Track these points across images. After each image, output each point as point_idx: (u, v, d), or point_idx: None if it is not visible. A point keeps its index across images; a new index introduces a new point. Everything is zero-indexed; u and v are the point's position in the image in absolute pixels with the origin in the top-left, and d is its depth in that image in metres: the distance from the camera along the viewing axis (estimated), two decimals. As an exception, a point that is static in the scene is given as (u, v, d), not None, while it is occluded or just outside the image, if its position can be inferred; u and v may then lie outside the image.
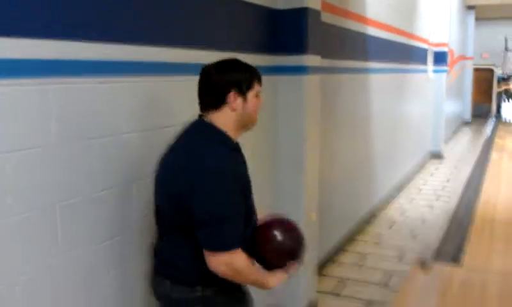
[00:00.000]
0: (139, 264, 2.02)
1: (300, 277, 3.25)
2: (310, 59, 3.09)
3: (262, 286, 1.77)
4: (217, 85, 1.69)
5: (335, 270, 4.26)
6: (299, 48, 3.05)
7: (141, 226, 2.03)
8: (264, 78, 3.00)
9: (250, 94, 1.73)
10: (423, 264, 3.88)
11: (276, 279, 1.79)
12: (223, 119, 1.70)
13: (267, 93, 3.06)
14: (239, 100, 1.71)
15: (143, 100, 2.04)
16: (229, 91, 1.69)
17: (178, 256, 1.72)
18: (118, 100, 1.90)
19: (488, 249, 4.36)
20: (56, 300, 1.71)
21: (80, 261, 1.78)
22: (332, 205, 4.38)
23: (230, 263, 1.63)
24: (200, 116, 1.75)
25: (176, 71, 2.23)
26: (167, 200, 1.70)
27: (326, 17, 3.88)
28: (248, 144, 1.91)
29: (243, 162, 1.77)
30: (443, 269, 3.88)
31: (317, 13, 3.18)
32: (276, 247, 1.78)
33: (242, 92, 1.71)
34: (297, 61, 3.06)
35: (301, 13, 3.03)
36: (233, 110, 1.71)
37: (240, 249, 1.64)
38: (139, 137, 2.02)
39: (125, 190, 1.96)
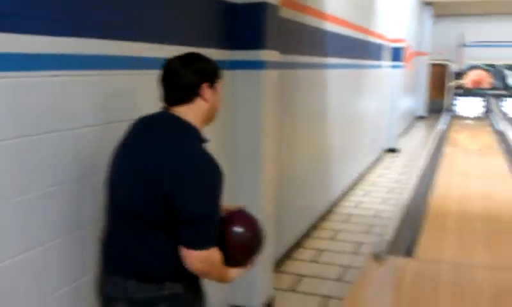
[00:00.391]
0: (93, 261, 1.98)
1: (257, 275, 3.27)
2: (268, 54, 3.10)
3: (223, 280, 1.77)
4: (188, 78, 1.67)
5: (291, 267, 4.29)
6: (257, 43, 3.05)
7: (95, 222, 1.99)
8: (223, 73, 3.02)
9: (218, 86, 1.75)
10: (377, 257, 3.98)
11: (235, 272, 1.80)
12: (193, 112, 1.68)
13: (225, 88, 3.06)
14: (210, 92, 1.70)
15: (97, 95, 2.00)
16: (201, 83, 1.68)
17: (148, 253, 1.65)
18: (71, 94, 1.86)
19: (440, 240, 4.49)
20: (8, 297, 1.66)
21: (33, 259, 1.73)
22: (289, 201, 4.41)
23: (210, 259, 1.63)
24: (164, 109, 1.71)
25: (132, 65, 2.20)
26: (142, 197, 1.60)
27: (285, 12, 3.89)
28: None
29: None
30: (396, 261, 3.98)
31: (275, 8, 3.18)
32: (237, 242, 1.78)
33: (212, 83, 1.71)
34: (255, 56, 3.06)
35: (260, 8, 3.03)
36: (206, 102, 1.70)
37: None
38: (93, 131, 1.98)
39: (78, 185, 1.92)
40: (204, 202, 1.59)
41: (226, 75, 3.04)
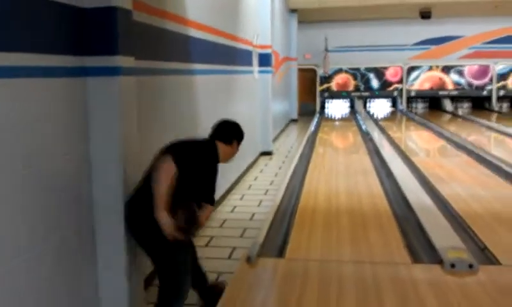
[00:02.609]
0: None
1: (124, 290, 3.13)
2: (122, 60, 2.98)
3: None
4: None
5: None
6: (109, 48, 2.93)
7: None
8: (72, 80, 2.85)
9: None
10: (249, 259, 4.00)
11: (166, 218, 2.90)
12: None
13: (76, 96, 2.90)
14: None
15: None
16: None
17: None
18: None
19: (308, 238, 4.64)
20: None
21: None
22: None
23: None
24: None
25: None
26: None
27: (143, 18, 3.79)
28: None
29: None
30: (267, 262, 4.03)
31: (127, 13, 3.07)
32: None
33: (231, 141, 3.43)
34: (108, 62, 2.93)
35: (109, 12, 2.91)
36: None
37: None
38: None
39: None
40: None
41: (78, 83, 2.89)
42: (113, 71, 2.94)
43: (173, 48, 4.63)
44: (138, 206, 3.06)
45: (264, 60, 10.00)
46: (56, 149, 2.71)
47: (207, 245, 4.98)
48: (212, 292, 3.75)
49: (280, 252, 4.30)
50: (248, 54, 8.77)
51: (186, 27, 5.01)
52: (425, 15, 17.40)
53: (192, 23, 5.21)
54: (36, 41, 2.53)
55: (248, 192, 7.13)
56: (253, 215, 6.00)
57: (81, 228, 3.01)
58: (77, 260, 2.97)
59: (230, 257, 4.62)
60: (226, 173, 6.76)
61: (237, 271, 3.96)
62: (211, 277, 4.15)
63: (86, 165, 3.01)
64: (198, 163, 3.14)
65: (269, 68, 10.23)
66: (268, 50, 10.14)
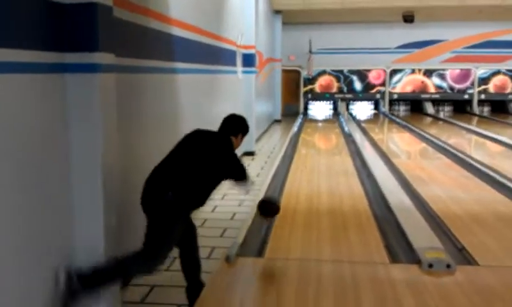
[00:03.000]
0: None
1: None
2: (102, 57, 2.96)
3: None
4: None
5: (143, 278, 4.14)
6: (89, 45, 2.90)
7: None
8: (52, 76, 2.83)
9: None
10: (228, 259, 4.01)
11: None
12: None
13: (56, 92, 2.88)
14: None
15: None
16: None
17: None
18: None
19: (288, 238, 4.66)
20: None
21: None
22: (138, 213, 4.28)
23: None
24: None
25: None
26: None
27: (125, 15, 3.77)
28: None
29: None
30: (246, 262, 4.04)
31: (108, 9, 3.05)
32: None
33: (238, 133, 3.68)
34: (88, 59, 2.90)
35: (90, 9, 2.88)
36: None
37: None
38: None
39: None
40: None
41: (57, 79, 2.87)
42: (93, 68, 2.92)
43: (155, 46, 4.61)
44: (163, 182, 3.22)
45: (248, 60, 10.01)
46: (33, 146, 2.69)
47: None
48: (197, 289, 3.72)
49: (260, 252, 4.31)
50: (232, 53, 8.77)
51: (169, 26, 4.99)
52: (408, 18, 17.56)
53: (175, 22, 5.19)
54: (14, 36, 2.50)
55: (229, 192, 7.11)
56: (234, 215, 6.00)
57: (60, 219, 2.99)
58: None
59: (209, 257, 4.60)
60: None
61: (216, 271, 3.96)
62: (191, 276, 4.13)
63: (64, 163, 2.99)
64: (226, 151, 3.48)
65: (252, 69, 10.24)
66: (252, 51, 10.15)
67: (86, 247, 3.11)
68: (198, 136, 3.50)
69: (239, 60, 9.43)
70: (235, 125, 3.69)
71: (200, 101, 6.41)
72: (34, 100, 2.70)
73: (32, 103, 2.67)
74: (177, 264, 4.38)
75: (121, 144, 3.57)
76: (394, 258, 4.17)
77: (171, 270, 4.32)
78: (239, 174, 3.49)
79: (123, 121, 3.62)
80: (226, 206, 6.40)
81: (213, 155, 3.35)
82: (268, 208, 3.85)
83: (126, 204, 3.71)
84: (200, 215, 5.88)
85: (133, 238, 4.03)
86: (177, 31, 5.27)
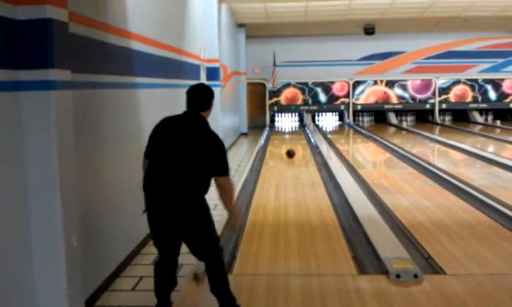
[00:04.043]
0: None
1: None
2: (57, 74, 2.86)
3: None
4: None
5: (109, 299, 4.01)
6: (43, 62, 2.80)
7: None
8: (4, 94, 2.71)
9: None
10: (196, 276, 3.92)
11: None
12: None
13: (8, 111, 2.76)
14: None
15: None
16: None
17: None
18: None
19: (256, 252, 4.60)
20: None
21: None
22: (102, 230, 4.16)
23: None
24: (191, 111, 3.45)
25: None
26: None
27: (81, 30, 3.68)
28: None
29: None
30: (213, 279, 3.95)
31: (63, 25, 2.96)
32: None
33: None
34: (42, 76, 2.80)
35: (44, 25, 2.79)
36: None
37: None
38: None
39: None
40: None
41: (9, 98, 2.75)
42: (47, 85, 2.82)
43: (113, 61, 4.51)
44: (185, 188, 3.28)
45: (212, 74, 9.96)
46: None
47: (152, 263, 4.84)
48: None
49: (228, 268, 4.23)
50: (195, 67, 8.71)
51: (128, 40, 4.90)
52: (369, 31, 17.88)
53: (135, 36, 5.10)
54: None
55: (197, 208, 7.02)
56: (201, 230, 5.89)
57: (16, 257, 2.86)
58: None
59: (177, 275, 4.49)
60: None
61: (183, 289, 3.87)
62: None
63: (19, 184, 2.87)
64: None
65: (217, 82, 10.19)
66: (216, 64, 10.11)
67: (45, 273, 2.99)
68: (182, 131, 3.39)
69: (203, 74, 9.38)
70: (204, 100, 3.53)
71: (162, 115, 6.29)
72: (-14, 119, 2.59)
73: (-17, 123, 2.56)
74: (147, 283, 4.30)
75: (79, 161, 3.46)
76: (362, 269, 4.16)
77: (139, 291, 4.22)
78: (224, 170, 3.38)
79: (81, 138, 3.52)
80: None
81: (209, 156, 3.30)
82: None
83: (87, 223, 3.60)
84: (165, 233, 5.76)
85: (95, 256, 3.93)
86: (136, 45, 5.18)
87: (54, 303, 3.06)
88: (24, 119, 2.83)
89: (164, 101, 6.44)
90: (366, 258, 4.42)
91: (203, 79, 9.46)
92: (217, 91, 10.16)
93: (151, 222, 3.38)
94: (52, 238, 2.98)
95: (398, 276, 3.86)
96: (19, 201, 2.87)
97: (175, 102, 7.10)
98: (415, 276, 3.87)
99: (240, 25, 16.95)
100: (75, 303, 3.18)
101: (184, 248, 5.25)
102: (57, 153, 2.90)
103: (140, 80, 5.27)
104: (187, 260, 4.81)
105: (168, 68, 6.66)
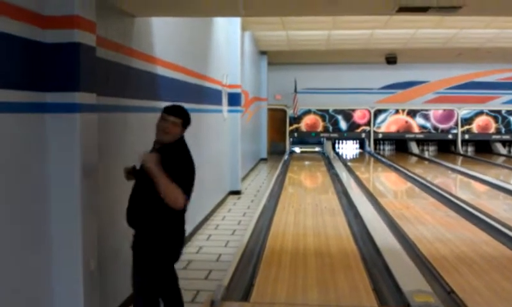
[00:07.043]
0: None
1: None
2: (82, 97, 2.91)
3: None
4: None
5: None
6: (70, 85, 2.86)
7: None
8: (30, 116, 2.76)
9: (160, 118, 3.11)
10: (213, 304, 3.88)
11: None
12: None
13: (34, 131, 2.80)
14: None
15: None
16: None
17: None
18: None
19: (275, 280, 4.55)
20: None
21: None
22: (121, 253, 4.16)
23: None
24: None
25: None
26: None
27: (108, 55, 3.74)
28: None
29: None
30: None
31: (91, 49, 3.02)
32: None
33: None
34: (69, 99, 2.85)
35: (72, 49, 2.85)
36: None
37: None
38: None
39: None
40: None
41: (35, 119, 2.80)
42: (73, 108, 2.87)
43: (138, 85, 4.57)
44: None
45: (233, 99, 10.03)
46: (10, 185, 2.60)
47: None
48: None
49: (246, 295, 4.19)
50: (217, 93, 8.78)
51: (153, 65, 4.97)
52: (391, 60, 17.85)
53: (160, 62, 5.18)
54: (-7, 75, 2.44)
55: (215, 232, 7.01)
56: (220, 256, 5.87)
57: (36, 277, 2.87)
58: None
59: (193, 300, 4.47)
60: (192, 212, 6.63)
61: (200, 315, 3.83)
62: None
63: (44, 204, 2.89)
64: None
65: (238, 108, 10.25)
66: (237, 90, 10.18)
67: (64, 291, 3.00)
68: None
69: (224, 99, 9.44)
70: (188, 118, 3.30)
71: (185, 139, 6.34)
72: (13, 140, 2.63)
73: (10, 144, 2.60)
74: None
75: (102, 183, 3.48)
76: (382, 301, 4.07)
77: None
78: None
79: (105, 159, 3.55)
80: (212, 247, 6.28)
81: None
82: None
83: (105, 247, 3.60)
84: (184, 257, 5.74)
85: (113, 280, 3.92)
86: (161, 70, 5.25)
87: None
88: (49, 140, 2.87)
89: (186, 125, 6.48)
90: (387, 289, 4.33)
91: (225, 104, 9.52)
92: (237, 117, 10.22)
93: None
94: (71, 261, 3.00)
95: (419, 310, 3.77)
96: (42, 221, 2.89)
97: (197, 127, 7.14)
98: (437, 310, 3.78)
99: (263, 53, 17.10)
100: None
101: (201, 273, 5.23)
102: (81, 175, 2.93)
103: (162, 104, 5.31)
104: (205, 286, 4.80)
105: (191, 92, 6.73)
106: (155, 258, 3.04)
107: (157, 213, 2.96)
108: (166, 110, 3.17)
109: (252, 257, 5.27)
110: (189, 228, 6.32)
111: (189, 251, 6.00)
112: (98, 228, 3.30)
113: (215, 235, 6.85)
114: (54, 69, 2.85)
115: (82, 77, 2.90)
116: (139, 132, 4.63)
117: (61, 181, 2.91)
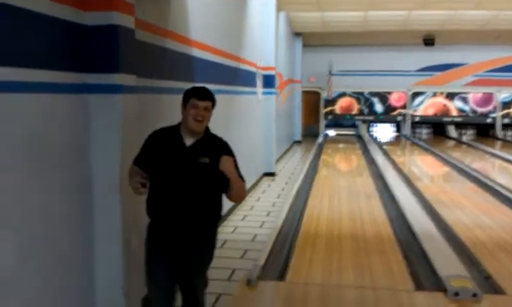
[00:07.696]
0: None
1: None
2: (124, 78, 2.97)
3: None
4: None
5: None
6: (110, 66, 2.91)
7: None
8: (72, 96, 2.82)
9: (187, 106, 2.72)
10: (249, 282, 3.94)
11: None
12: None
13: (76, 111, 2.87)
14: (182, 109, 2.77)
15: None
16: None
17: None
18: None
19: (309, 261, 4.57)
20: None
21: None
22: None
23: None
24: None
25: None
26: None
27: (145, 36, 3.78)
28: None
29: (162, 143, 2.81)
30: (267, 285, 3.97)
31: (130, 32, 3.06)
32: None
33: (183, 104, 2.75)
34: (110, 80, 2.91)
35: (112, 31, 2.90)
36: (182, 114, 2.78)
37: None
38: None
39: None
40: None
41: (78, 100, 2.86)
42: (115, 88, 2.92)
43: (174, 67, 4.61)
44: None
45: (268, 81, 10.01)
46: (57, 165, 2.68)
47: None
48: None
49: (281, 276, 4.23)
50: (252, 75, 8.78)
51: (189, 47, 5.00)
52: (429, 42, 17.46)
53: (195, 44, 5.21)
54: (39, 57, 2.51)
55: (250, 213, 7.06)
56: (255, 236, 5.92)
57: (77, 255, 2.96)
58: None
59: (229, 279, 4.54)
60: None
61: (237, 293, 3.89)
62: (210, 299, 4.07)
63: (86, 183, 2.98)
64: None
65: (272, 90, 10.23)
66: (272, 72, 10.15)
67: (105, 271, 3.09)
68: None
69: (259, 81, 9.44)
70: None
71: (219, 121, 6.37)
72: (57, 119, 2.70)
73: (55, 123, 2.68)
74: None
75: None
76: (418, 286, 4.05)
77: None
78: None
79: (140, 141, 3.61)
80: (247, 227, 6.33)
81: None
82: None
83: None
84: (220, 236, 5.82)
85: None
86: (197, 52, 5.28)
87: (112, 300, 3.14)
88: (92, 120, 2.94)
89: (221, 106, 6.49)
90: (423, 274, 4.29)
91: (259, 86, 9.52)
92: (272, 99, 10.20)
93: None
94: (112, 237, 3.07)
95: (456, 294, 3.73)
96: (85, 198, 2.98)
97: (231, 108, 7.18)
98: (474, 295, 3.73)
99: (297, 34, 16.97)
100: (132, 301, 3.26)
101: (237, 253, 5.29)
102: (121, 155, 2.99)
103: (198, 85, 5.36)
104: (241, 265, 4.86)
105: (226, 74, 6.75)
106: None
107: (216, 209, 3.07)
108: (196, 95, 2.70)
109: (287, 238, 5.29)
110: (224, 209, 6.40)
111: (225, 230, 6.07)
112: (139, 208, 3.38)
113: (250, 216, 6.90)
114: (95, 51, 2.91)
115: (123, 59, 2.95)
116: (173, 113, 4.65)
117: (103, 160, 2.99)
